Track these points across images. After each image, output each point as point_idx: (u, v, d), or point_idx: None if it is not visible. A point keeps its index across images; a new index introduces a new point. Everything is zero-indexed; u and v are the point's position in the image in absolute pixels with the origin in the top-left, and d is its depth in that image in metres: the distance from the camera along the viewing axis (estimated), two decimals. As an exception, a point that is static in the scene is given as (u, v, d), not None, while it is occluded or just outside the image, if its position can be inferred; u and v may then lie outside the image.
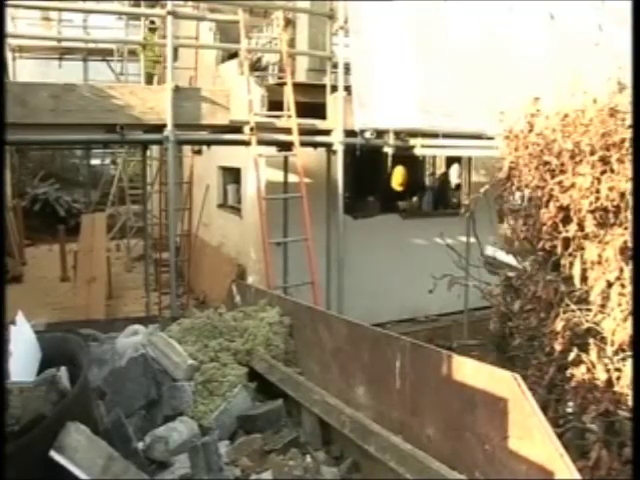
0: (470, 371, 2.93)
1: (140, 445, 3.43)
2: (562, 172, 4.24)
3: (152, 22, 11.32)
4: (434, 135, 7.77)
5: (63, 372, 3.16)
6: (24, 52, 15.59)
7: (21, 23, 15.06)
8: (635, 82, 3.38)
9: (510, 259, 4.98)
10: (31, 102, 6.45)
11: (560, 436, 2.56)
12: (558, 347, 3.96)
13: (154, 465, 3.31)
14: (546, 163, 4.38)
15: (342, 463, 3.34)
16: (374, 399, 3.46)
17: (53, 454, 2.82)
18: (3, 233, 2.79)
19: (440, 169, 11.40)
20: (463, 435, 2.90)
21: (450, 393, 3.01)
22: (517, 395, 2.63)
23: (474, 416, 2.87)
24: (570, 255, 4.11)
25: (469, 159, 9.63)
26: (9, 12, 14.12)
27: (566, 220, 4.15)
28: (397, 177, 9.31)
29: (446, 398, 3.04)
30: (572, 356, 3.85)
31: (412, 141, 7.94)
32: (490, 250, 5.42)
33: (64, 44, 15.62)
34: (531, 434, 2.56)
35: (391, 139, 7.80)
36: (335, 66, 7.77)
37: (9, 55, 14.56)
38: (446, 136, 7.74)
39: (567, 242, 4.13)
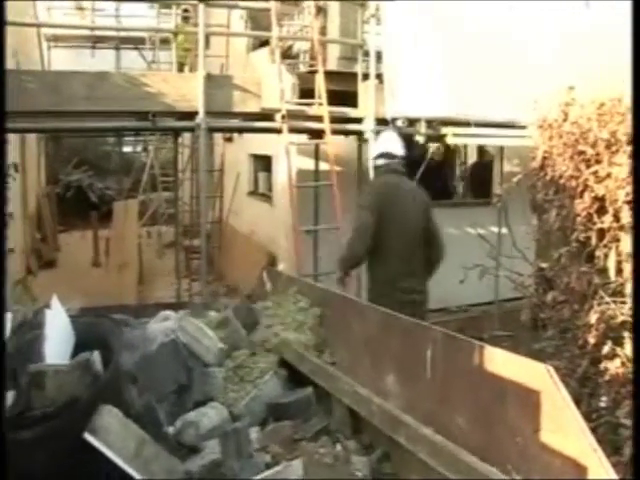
0: (502, 362, 2.89)
1: (171, 429, 3.46)
2: (597, 162, 4.16)
3: (185, 10, 11.35)
4: (466, 124, 7.70)
5: (96, 356, 3.21)
6: (58, 41, 15.79)
7: (56, 13, 15.23)
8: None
9: None
10: (65, 90, 6.53)
11: (593, 431, 2.52)
12: (592, 340, 3.91)
13: (184, 449, 3.35)
14: (581, 153, 4.30)
15: (372, 453, 3.33)
16: (404, 389, 3.44)
17: (87, 436, 2.86)
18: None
19: (471, 158, 11.30)
20: (494, 427, 2.88)
21: (481, 384, 2.98)
22: (550, 387, 2.59)
23: (505, 408, 2.84)
24: (605, 247, 4.04)
25: (501, 148, 9.52)
26: (45, 3, 14.32)
27: (601, 211, 4.08)
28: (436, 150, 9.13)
29: (477, 389, 3.01)
30: (606, 349, 3.79)
31: (444, 130, 7.87)
32: None
33: (97, 33, 15.78)
34: (564, 428, 2.53)
35: (423, 128, 7.73)
36: (366, 54, 7.73)
37: (44, 44, 14.76)
38: (478, 125, 7.66)
39: (602, 233, 4.06)
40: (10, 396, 3.14)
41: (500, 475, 2.73)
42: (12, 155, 8.33)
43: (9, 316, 3.78)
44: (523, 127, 6.30)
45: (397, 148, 5.33)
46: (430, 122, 7.77)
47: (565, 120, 4.53)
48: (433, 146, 7.86)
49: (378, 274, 5.08)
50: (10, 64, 9.13)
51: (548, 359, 4.07)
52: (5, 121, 2.97)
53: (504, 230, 6.32)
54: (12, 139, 8.59)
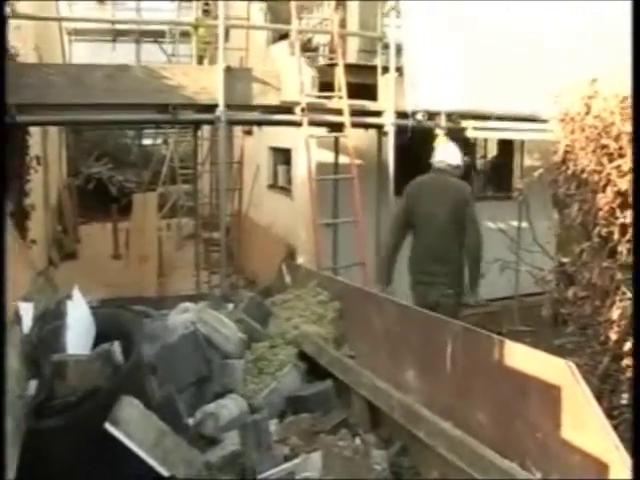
0: (522, 357, 2.88)
1: (190, 421, 3.49)
2: (620, 156, 4.11)
3: (205, 3, 11.35)
4: (486, 117, 7.64)
5: (117, 347, 3.23)
6: (79, 35, 15.88)
7: (77, 7, 15.30)
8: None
9: None
10: (86, 83, 6.57)
11: (614, 428, 2.50)
12: (613, 336, 3.87)
13: (204, 441, 3.37)
14: (604, 146, 4.24)
15: (391, 446, 3.33)
16: (424, 383, 3.44)
17: (107, 426, 2.88)
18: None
19: (491, 152, 11.21)
20: (514, 422, 2.87)
21: (501, 379, 2.97)
22: (571, 383, 2.58)
23: (526, 403, 2.82)
24: (628, 242, 3.99)
25: (522, 142, 9.44)
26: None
27: (624, 206, 4.03)
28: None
29: (497, 384, 3.00)
30: (628, 346, 3.75)
31: (464, 123, 7.81)
32: None
33: (117, 27, 15.84)
34: (585, 424, 2.51)
35: (443, 121, 7.68)
36: (386, 47, 7.68)
37: (66, 38, 14.86)
38: (499, 118, 7.60)
39: (625, 228, 4.01)
40: (33, 385, 3.18)
41: (519, 470, 2.72)
42: (34, 148, 8.40)
43: (31, 306, 3.82)
44: (544, 120, 6.25)
45: (451, 157, 5.91)
46: (450, 115, 7.72)
47: (588, 113, 4.47)
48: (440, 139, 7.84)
49: (410, 257, 5.70)
50: (32, 58, 9.22)
51: (569, 355, 4.03)
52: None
53: (524, 224, 6.27)
54: (34, 132, 8.66)
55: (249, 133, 11.58)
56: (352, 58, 8.53)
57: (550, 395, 2.67)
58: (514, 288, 8.12)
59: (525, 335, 5.58)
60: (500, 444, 2.86)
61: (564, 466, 2.58)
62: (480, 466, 2.81)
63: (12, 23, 6.76)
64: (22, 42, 7.83)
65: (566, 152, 4.58)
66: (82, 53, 15.70)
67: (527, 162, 9.44)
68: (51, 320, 3.62)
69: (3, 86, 2.85)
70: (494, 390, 3.02)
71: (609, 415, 3.53)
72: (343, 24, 8.56)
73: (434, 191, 5.68)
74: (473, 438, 2.94)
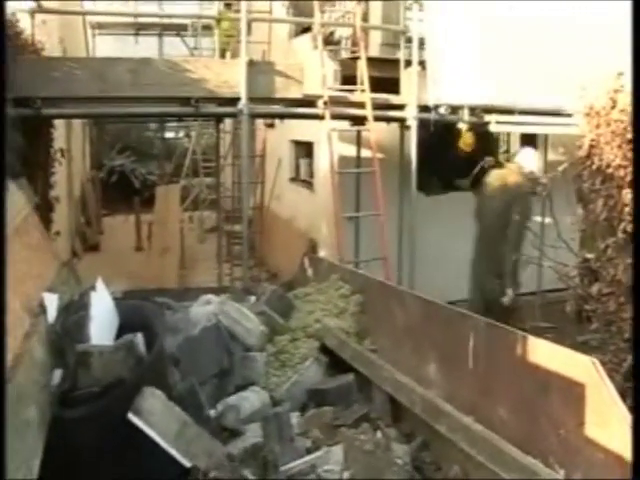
0: (546, 353, 2.86)
1: (212, 412, 3.51)
2: (647, 150, 4.05)
3: (229, -4, 11.36)
4: (509, 111, 7.57)
5: (140, 338, 3.26)
6: (103, 29, 15.97)
7: (101, 2, 15.38)
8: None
9: None
10: (110, 76, 6.59)
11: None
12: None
13: (226, 432, 3.39)
14: (630, 141, 4.20)
15: (412, 441, 3.33)
16: (446, 378, 3.43)
17: (130, 417, 2.91)
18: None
19: (514, 146, 11.11)
20: (537, 419, 2.85)
21: (524, 375, 2.95)
22: (595, 380, 2.55)
23: (549, 400, 2.81)
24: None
25: (545, 136, 9.34)
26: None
27: (650, 201, 3.98)
28: (466, 139, 9.01)
29: (520, 380, 2.99)
30: (653, 342, 3.71)
31: (487, 117, 7.75)
32: None
33: (140, 20, 15.92)
34: (609, 422, 2.49)
35: (466, 115, 7.62)
36: (409, 41, 7.63)
37: (89, 32, 14.96)
38: (522, 112, 7.52)
39: (651, 224, 3.96)
40: (57, 375, 3.21)
41: (542, 467, 2.71)
42: (59, 141, 8.48)
43: (56, 297, 3.86)
44: (569, 115, 6.19)
45: (527, 162, 6.19)
46: (473, 109, 7.66)
47: (613, 107, 4.42)
48: (465, 136, 7.79)
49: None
50: (57, 51, 9.29)
51: (592, 352, 4.00)
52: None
53: (548, 220, 6.21)
54: (59, 125, 8.73)
55: (271, 126, 11.57)
56: (374, 51, 8.48)
57: (574, 392, 2.65)
58: (537, 284, 8.05)
59: (547, 331, 5.53)
60: (522, 440, 2.85)
61: (587, 464, 2.57)
62: (502, 462, 2.80)
63: (38, 17, 6.83)
64: (47, 36, 7.90)
65: (591, 147, 4.53)
66: (105, 47, 15.81)
67: (551, 157, 9.33)
68: (75, 311, 3.65)
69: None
70: (517, 386, 3.01)
71: (633, 413, 3.50)
72: (366, 17, 8.52)
73: (489, 192, 6.03)
74: (495, 434, 2.93)
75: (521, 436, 2.88)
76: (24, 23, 6.57)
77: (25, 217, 4.85)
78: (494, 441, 2.88)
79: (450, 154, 9.42)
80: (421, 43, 7.46)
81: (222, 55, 11.04)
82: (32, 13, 6.66)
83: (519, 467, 2.72)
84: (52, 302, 3.78)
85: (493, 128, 7.84)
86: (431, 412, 3.25)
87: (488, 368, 3.17)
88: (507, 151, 11.18)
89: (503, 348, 3.08)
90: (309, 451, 3.18)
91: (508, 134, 10.54)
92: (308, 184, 9.96)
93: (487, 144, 10.01)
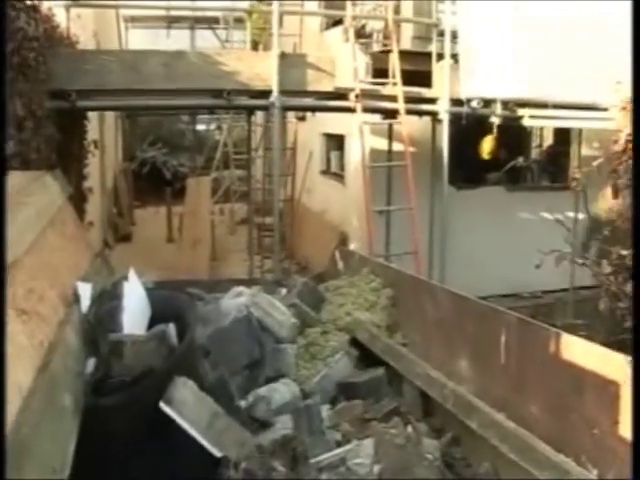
0: (580, 351, 2.82)
1: (242, 403, 3.53)
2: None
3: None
4: (543, 105, 7.46)
5: (171, 328, 3.28)
6: (135, 22, 16.10)
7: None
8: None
9: None
10: (143, 69, 6.65)
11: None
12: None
13: (256, 424, 3.40)
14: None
15: (443, 436, 3.31)
16: (477, 373, 3.40)
17: (162, 406, 2.94)
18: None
19: (547, 141, 10.98)
20: (570, 417, 2.81)
21: (557, 372, 2.92)
22: (630, 380, 2.51)
23: (582, 398, 2.77)
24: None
25: (579, 131, 9.21)
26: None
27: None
28: (486, 146, 8.89)
29: (553, 377, 2.95)
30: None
31: (520, 111, 7.65)
32: None
33: (172, 13, 16.01)
34: (644, 421, 2.45)
35: (498, 109, 7.53)
36: (441, 34, 7.56)
37: (122, 25, 15.08)
38: (556, 106, 7.41)
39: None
40: (91, 363, 3.26)
41: (574, 466, 2.67)
42: (92, 132, 8.58)
43: (89, 286, 3.90)
44: (604, 109, 6.08)
45: None
46: (506, 103, 7.57)
47: (651, 102, 4.33)
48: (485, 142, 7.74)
49: None
50: (91, 45, 9.39)
51: (627, 351, 3.94)
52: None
53: (582, 215, 6.13)
54: (92, 117, 8.83)
55: (302, 119, 11.58)
56: (406, 45, 8.43)
57: (608, 391, 2.61)
58: (569, 280, 7.95)
59: (579, 329, 5.46)
60: (555, 439, 2.82)
61: (621, 463, 2.53)
62: (534, 460, 2.77)
63: (73, 11, 6.90)
64: (82, 30, 7.99)
65: (627, 141, 4.46)
66: (137, 40, 15.94)
67: (585, 151, 9.20)
68: (108, 300, 3.69)
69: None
70: (549, 383, 2.98)
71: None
72: (397, 10, 8.46)
73: None
74: (527, 431, 2.90)
75: (554, 434, 2.84)
76: (59, 17, 6.65)
77: (60, 207, 4.92)
78: (526, 438, 2.85)
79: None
80: (453, 36, 7.40)
81: (254, 47, 11.07)
82: (67, 7, 6.74)
83: (551, 465, 2.69)
84: (86, 291, 3.82)
85: (526, 122, 7.74)
86: (462, 407, 3.23)
87: (521, 364, 3.14)
88: (540, 145, 11.05)
89: (536, 344, 3.05)
90: (339, 444, 3.18)
91: (541, 128, 10.41)
92: (339, 177, 9.96)
93: (519, 139, 9.94)
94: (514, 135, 9.23)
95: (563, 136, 10.01)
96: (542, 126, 9.90)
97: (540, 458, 2.74)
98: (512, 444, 2.88)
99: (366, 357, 4.10)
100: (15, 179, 4.01)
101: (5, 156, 2.53)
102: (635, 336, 2.64)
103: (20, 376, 2.56)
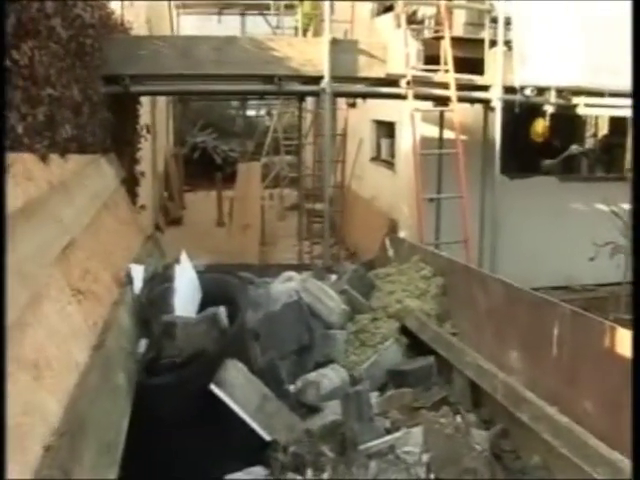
0: (635, 346, 2.75)
1: (292, 388, 3.55)
2: None
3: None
4: (599, 94, 7.26)
5: (222, 311, 3.32)
6: (187, 8, 16.22)
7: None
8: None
9: None
10: (194, 54, 6.70)
11: None
12: None
13: (305, 408, 3.42)
14: None
15: (492, 428, 3.27)
16: (528, 365, 3.35)
17: (213, 388, 2.98)
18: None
19: (602, 130, 10.70)
20: (625, 413, 2.74)
21: (611, 367, 2.85)
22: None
23: (638, 394, 2.70)
24: None
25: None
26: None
27: None
28: (538, 127, 8.65)
29: (607, 371, 2.88)
30: None
31: (575, 100, 7.46)
32: None
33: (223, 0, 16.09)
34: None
35: (553, 97, 7.35)
36: (494, 20, 7.40)
37: (174, 12, 15.22)
38: (612, 95, 7.20)
39: None
40: (143, 343, 3.32)
41: (628, 464, 2.61)
42: (144, 117, 8.69)
43: (142, 268, 3.98)
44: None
45: None
46: (560, 91, 7.39)
47: None
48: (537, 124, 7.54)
49: None
50: (143, 30, 9.51)
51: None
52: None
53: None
54: (144, 102, 8.94)
55: (353, 105, 11.52)
56: (459, 31, 8.28)
57: (664, 387, 2.54)
58: (623, 274, 7.76)
59: (631, 323, 5.33)
60: (609, 435, 2.75)
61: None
62: (586, 456, 2.71)
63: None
64: (135, 17, 8.08)
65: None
66: (189, 26, 16.07)
67: (643, 141, 8.94)
68: (160, 282, 3.76)
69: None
70: (603, 377, 2.91)
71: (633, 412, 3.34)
72: (450, -4, 8.33)
73: None
74: (580, 426, 2.84)
75: (607, 430, 2.78)
76: (114, 4, 6.75)
77: (114, 191, 5.02)
78: (578, 433, 2.79)
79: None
80: (507, 22, 7.24)
81: (304, 34, 11.04)
82: (121, -5, 6.84)
83: (604, 462, 2.63)
84: (138, 273, 3.90)
85: (581, 111, 7.54)
86: (512, 399, 3.18)
87: (573, 358, 3.07)
88: (595, 135, 10.77)
89: (589, 337, 2.98)
90: (388, 431, 3.17)
91: (596, 118, 10.14)
92: (389, 164, 9.90)
93: (574, 128, 9.70)
94: (568, 124, 9.02)
95: (619, 126, 9.73)
96: (597, 115, 9.63)
97: (593, 454, 2.69)
98: (564, 439, 2.83)
99: (415, 345, 4.08)
100: (72, 162, 4.10)
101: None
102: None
103: (76, 354, 2.63)
